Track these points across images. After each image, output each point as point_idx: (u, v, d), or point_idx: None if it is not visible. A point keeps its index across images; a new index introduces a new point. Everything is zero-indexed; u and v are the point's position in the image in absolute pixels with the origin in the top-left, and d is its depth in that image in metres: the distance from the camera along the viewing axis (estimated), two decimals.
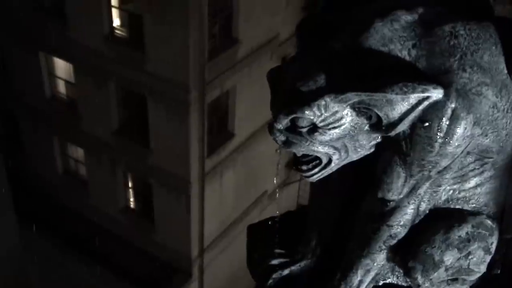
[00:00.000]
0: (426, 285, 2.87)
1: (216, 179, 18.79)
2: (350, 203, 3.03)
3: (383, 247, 2.91)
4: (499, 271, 3.31)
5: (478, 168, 2.81)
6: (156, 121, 17.52)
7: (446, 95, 2.46)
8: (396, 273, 3.14)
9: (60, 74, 19.55)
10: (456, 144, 2.55)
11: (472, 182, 2.86)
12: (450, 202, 2.90)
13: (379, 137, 2.66)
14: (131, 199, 20.38)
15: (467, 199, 2.91)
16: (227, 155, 18.97)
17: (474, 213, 2.92)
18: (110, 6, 17.20)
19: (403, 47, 2.52)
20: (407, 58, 2.51)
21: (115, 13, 17.45)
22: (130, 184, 20.03)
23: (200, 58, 16.41)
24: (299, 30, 2.84)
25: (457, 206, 2.91)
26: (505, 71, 2.61)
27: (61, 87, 19.82)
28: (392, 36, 2.52)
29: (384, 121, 2.52)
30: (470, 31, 2.54)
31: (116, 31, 17.63)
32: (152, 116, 17.58)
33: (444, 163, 2.64)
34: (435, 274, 2.83)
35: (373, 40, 2.52)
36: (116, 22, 17.64)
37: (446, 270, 2.84)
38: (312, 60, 2.58)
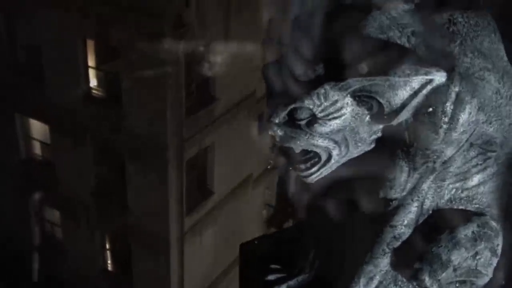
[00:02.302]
0: (434, 287, 2.74)
1: (195, 238, 18.52)
2: (349, 206, 2.91)
3: (387, 250, 2.79)
4: (503, 282, 3.20)
5: (481, 164, 2.74)
6: (134, 180, 17.34)
7: (449, 79, 2.41)
8: (399, 283, 3.00)
9: (35, 135, 19.38)
10: (462, 129, 2.49)
11: (475, 180, 2.78)
12: (453, 202, 2.81)
13: (380, 131, 2.58)
14: (109, 261, 19.97)
15: (470, 198, 2.83)
16: (206, 212, 18.76)
17: (478, 214, 2.83)
18: (87, 67, 17.24)
19: (402, 34, 2.47)
20: (407, 45, 2.47)
21: (92, 73, 17.48)
22: (107, 246, 19.65)
23: (178, 115, 16.41)
24: (293, 27, 2.80)
25: (460, 206, 2.82)
26: (505, 58, 2.60)
27: (37, 149, 19.63)
28: (391, 23, 2.48)
29: (386, 109, 2.44)
30: (468, 18, 2.53)
31: (93, 91, 17.62)
32: (129, 175, 17.41)
33: (449, 151, 2.56)
34: (444, 274, 2.70)
35: (371, 28, 2.48)
36: (93, 82, 17.65)
37: (455, 270, 2.72)
38: (309, 50, 2.53)
